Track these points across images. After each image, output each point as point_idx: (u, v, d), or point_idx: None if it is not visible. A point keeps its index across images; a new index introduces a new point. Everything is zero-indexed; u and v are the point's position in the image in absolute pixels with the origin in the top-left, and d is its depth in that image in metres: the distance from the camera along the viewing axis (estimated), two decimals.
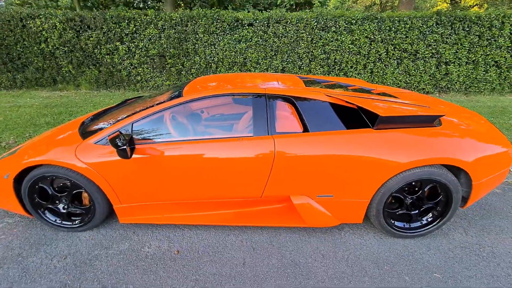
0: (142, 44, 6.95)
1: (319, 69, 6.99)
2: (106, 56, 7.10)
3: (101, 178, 1.98)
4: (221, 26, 6.76)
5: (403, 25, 6.47)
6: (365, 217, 2.13)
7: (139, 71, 7.27)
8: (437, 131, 1.97)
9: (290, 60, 6.96)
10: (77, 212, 2.19)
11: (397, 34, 6.54)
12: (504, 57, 6.61)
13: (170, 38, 6.88)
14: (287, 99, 2.10)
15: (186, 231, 2.22)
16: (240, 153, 1.95)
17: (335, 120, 2.03)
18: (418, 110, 2.04)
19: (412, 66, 6.83)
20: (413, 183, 2.03)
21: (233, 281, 1.77)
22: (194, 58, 7.05)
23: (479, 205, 2.57)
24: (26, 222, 2.32)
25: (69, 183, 2.09)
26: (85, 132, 2.22)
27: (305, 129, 2.00)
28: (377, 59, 6.83)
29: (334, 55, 6.82)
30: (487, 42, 6.50)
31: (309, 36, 6.69)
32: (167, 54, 7.03)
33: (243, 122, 2.25)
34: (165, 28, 6.83)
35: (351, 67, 6.92)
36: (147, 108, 2.13)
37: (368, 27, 6.49)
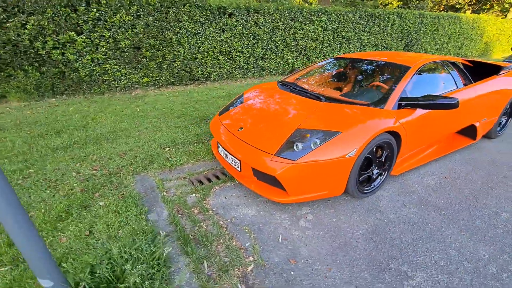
0: (109, 33, 5.60)
1: (290, 54, 8.02)
2: (53, 51, 5.22)
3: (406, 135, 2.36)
4: (204, 15, 6.45)
5: (341, 17, 8.48)
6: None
7: (106, 68, 5.82)
8: None
9: (269, 48, 7.60)
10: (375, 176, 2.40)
11: (339, 24, 8.50)
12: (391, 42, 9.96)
13: (148, 26, 5.90)
14: (457, 64, 3.17)
15: (422, 169, 2.90)
16: (465, 95, 2.89)
17: (466, 74, 3.29)
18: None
19: (347, 49, 9.09)
20: None
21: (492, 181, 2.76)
22: (178, 49, 6.39)
23: None
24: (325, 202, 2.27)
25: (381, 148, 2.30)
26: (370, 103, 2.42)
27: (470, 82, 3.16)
28: (327, 44, 8.62)
29: (301, 42, 8.03)
30: (383, 31, 9.59)
31: (283, 25, 7.55)
32: (145, 46, 6.00)
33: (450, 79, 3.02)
34: (140, 14, 5.78)
35: (312, 51, 8.39)
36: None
37: (322, 18, 8.07)
